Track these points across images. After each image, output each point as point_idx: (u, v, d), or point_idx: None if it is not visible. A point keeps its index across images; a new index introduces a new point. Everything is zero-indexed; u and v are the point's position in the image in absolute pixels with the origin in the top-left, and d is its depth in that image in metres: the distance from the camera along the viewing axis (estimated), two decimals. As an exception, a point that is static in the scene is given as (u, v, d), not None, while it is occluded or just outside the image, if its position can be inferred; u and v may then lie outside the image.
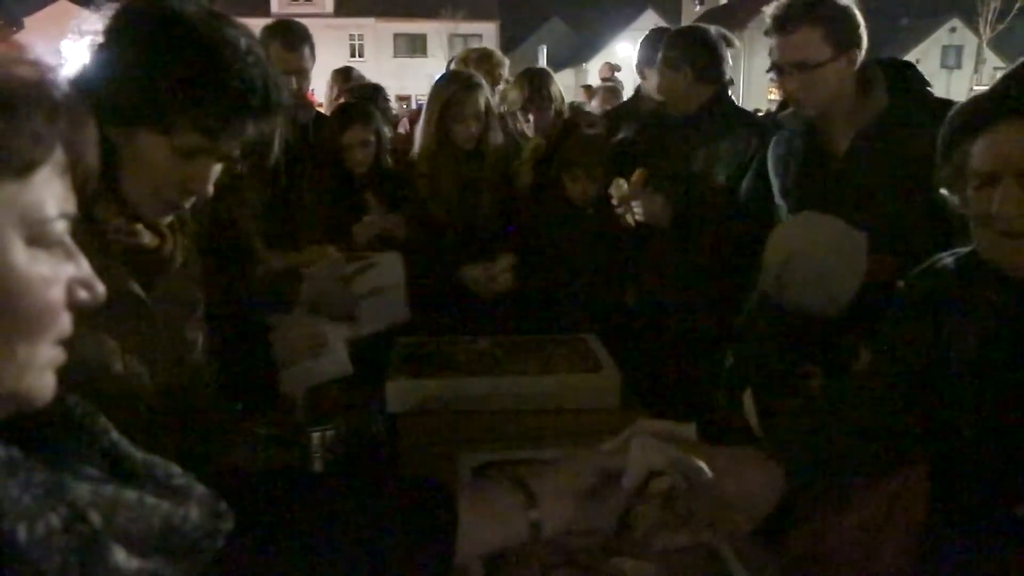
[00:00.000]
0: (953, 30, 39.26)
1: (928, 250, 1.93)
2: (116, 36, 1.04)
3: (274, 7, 35.34)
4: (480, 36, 35.28)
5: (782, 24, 2.00)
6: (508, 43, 38.17)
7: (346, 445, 1.97)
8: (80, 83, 1.04)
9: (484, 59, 3.33)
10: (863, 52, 2.04)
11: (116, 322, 1.10)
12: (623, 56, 30.76)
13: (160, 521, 0.65)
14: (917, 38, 39.91)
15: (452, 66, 3.37)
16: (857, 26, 2.01)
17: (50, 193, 0.60)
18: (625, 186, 2.43)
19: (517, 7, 40.84)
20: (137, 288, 1.13)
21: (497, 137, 2.75)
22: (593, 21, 41.46)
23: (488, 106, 2.70)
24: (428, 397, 2.03)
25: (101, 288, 0.64)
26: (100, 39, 1.05)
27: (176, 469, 0.71)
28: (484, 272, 2.65)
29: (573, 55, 38.42)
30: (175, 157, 1.04)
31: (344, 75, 4.21)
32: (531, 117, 3.06)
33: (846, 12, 2.00)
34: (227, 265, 1.53)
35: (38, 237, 0.59)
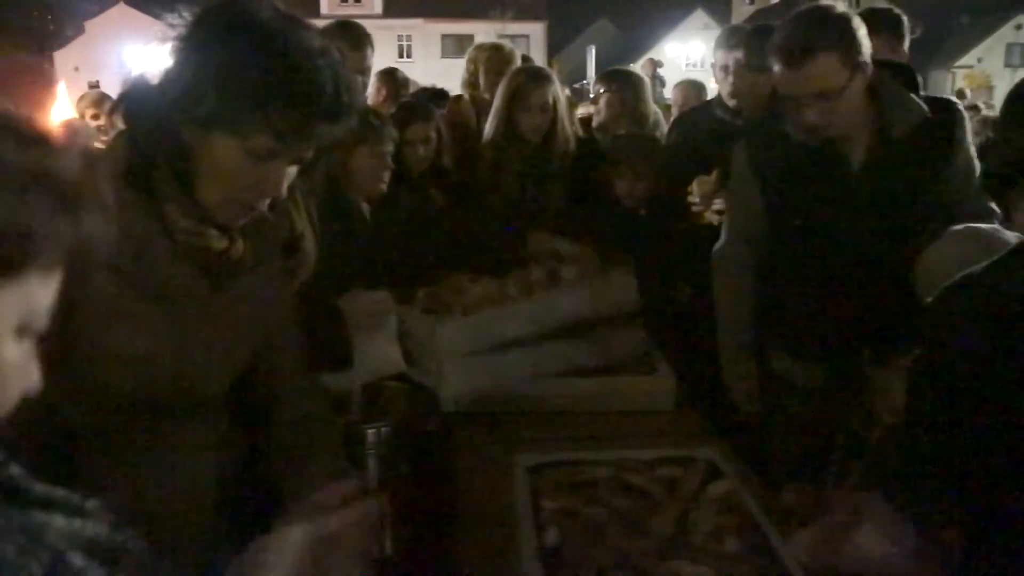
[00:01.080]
0: (1019, 27, 38.00)
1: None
2: (193, 39, 1.06)
3: (324, 8, 35.77)
4: (527, 37, 35.30)
5: (793, 57, 1.87)
6: (556, 44, 38.11)
7: (401, 443, 1.99)
8: (161, 87, 1.08)
9: (495, 55, 3.33)
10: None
11: (179, 321, 1.14)
12: (671, 56, 30.50)
13: (88, 542, 0.63)
14: (979, 36, 38.75)
15: (466, 65, 3.38)
16: (862, 39, 1.91)
17: (47, 285, 0.58)
18: (708, 184, 2.41)
19: (565, 8, 40.71)
20: (204, 288, 1.16)
21: (567, 133, 2.75)
22: (641, 22, 41.18)
23: (559, 101, 2.71)
24: (482, 397, 2.04)
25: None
26: (179, 42, 1.07)
27: (73, 495, 0.68)
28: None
29: (621, 56, 38.12)
30: (248, 159, 1.06)
31: (390, 76, 4.22)
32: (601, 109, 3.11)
33: (851, 25, 1.89)
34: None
35: (27, 328, 0.58)
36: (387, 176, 2.21)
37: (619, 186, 2.70)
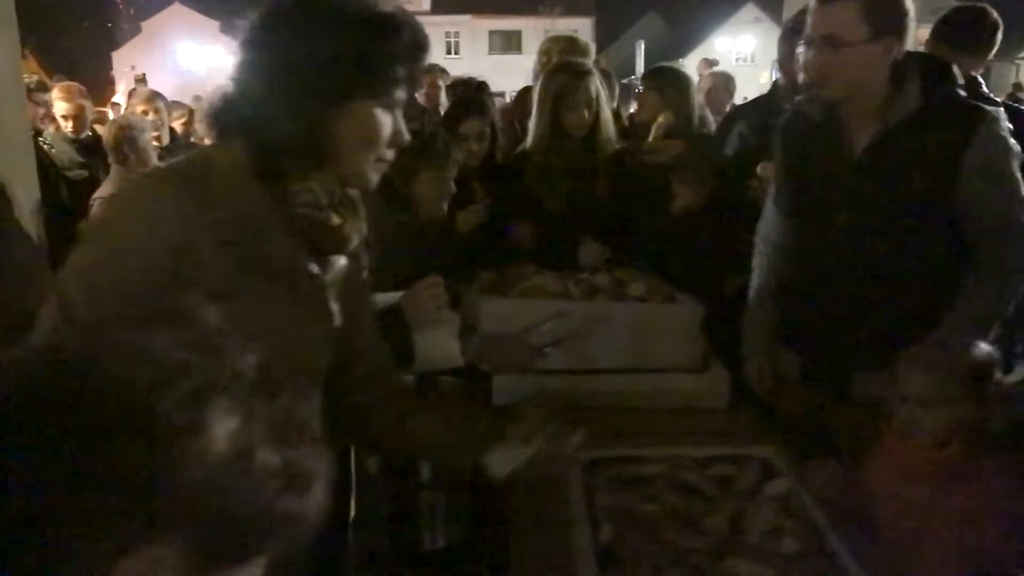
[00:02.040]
0: (1082, 18, 36.69)
1: (946, 257, 1.88)
2: (275, 33, 1.12)
3: (374, 6, 36.07)
4: (575, 32, 35.13)
5: None
6: (604, 38, 37.87)
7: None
8: (251, 88, 1.13)
9: (570, 47, 3.30)
10: (904, 44, 1.86)
11: (292, 298, 1.19)
12: (721, 51, 30.05)
13: None
14: (1041, 27, 37.46)
15: (538, 57, 3.36)
16: (903, 13, 1.84)
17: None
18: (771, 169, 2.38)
19: (613, 2, 40.45)
20: (315, 268, 1.22)
21: (609, 125, 2.74)
22: (690, 15, 40.59)
23: (599, 94, 2.70)
24: (535, 393, 2.04)
25: None
26: (258, 38, 1.13)
27: None
28: None
29: (670, 50, 37.63)
30: (384, 114, 1.18)
31: (430, 70, 4.25)
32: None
33: None
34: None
35: None
36: (447, 200, 2.23)
37: (681, 193, 2.67)
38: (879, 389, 1.82)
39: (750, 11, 35.91)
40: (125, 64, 34.43)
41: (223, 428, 0.51)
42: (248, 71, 1.14)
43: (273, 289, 1.16)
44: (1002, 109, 1.89)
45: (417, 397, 1.48)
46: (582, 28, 36.94)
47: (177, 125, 5.21)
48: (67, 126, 4.29)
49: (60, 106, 4.33)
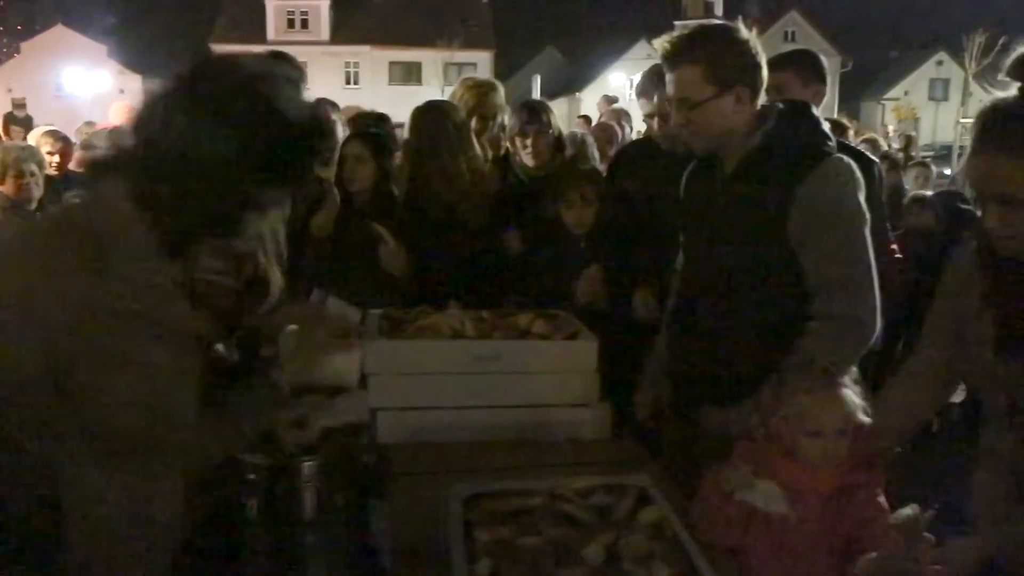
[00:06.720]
0: (940, 63, 39.86)
1: (783, 304, 1.96)
2: (199, 105, 1.19)
3: (271, 34, 35.57)
4: (475, 65, 35.55)
5: (666, 60, 1.98)
6: (503, 72, 38.48)
7: (337, 475, 1.98)
8: (173, 157, 1.18)
9: (479, 88, 3.36)
10: (759, 88, 1.98)
11: (176, 364, 1.24)
12: (616, 85, 30.98)
13: None
14: (905, 71, 40.52)
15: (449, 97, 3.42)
16: (747, 62, 1.94)
17: None
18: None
19: (512, 36, 41.17)
20: (205, 330, 1.28)
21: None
22: (587, 51, 41.77)
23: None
24: (419, 428, 2.05)
25: None
26: (185, 110, 1.19)
27: None
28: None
29: (567, 84, 38.66)
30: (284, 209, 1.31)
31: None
32: (528, 144, 3.11)
33: (734, 48, 1.93)
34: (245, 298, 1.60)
35: None
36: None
37: (567, 215, 2.76)
38: (724, 423, 1.92)
39: (643, 48, 37.14)
40: (2, 87, 32.67)
41: None
42: (169, 135, 1.17)
43: (162, 353, 1.20)
44: (848, 158, 1.97)
45: None
46: (481, 61, 37.42)
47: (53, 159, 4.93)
48: None
49: None
